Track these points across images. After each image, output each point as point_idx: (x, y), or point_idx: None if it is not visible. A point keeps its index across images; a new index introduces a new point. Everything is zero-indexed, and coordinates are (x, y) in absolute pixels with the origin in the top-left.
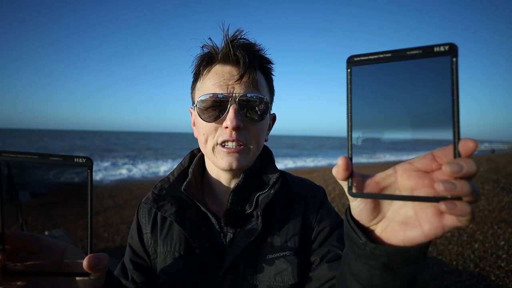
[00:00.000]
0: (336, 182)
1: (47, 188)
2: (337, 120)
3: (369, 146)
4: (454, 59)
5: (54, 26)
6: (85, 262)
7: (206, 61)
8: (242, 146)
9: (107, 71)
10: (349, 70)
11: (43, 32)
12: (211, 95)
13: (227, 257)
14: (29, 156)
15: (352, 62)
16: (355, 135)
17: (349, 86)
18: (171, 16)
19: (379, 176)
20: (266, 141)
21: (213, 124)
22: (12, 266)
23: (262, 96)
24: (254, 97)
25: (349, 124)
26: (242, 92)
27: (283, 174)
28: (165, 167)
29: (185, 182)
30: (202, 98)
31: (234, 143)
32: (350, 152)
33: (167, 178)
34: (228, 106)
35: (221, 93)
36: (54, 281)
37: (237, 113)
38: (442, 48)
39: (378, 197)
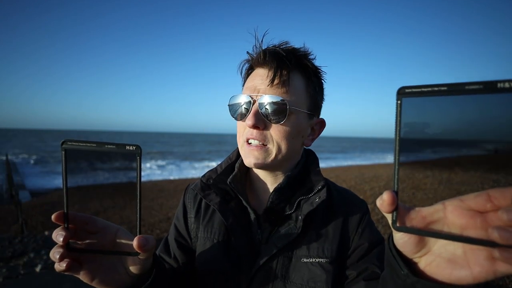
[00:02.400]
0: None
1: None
2: (332, 121)
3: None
4: None
5: (54, 26)
6: (134, 242)
7: (247, 67)
8: (262, 145)
9: (107, 71)
10: (399, 102)
11: (43, 31)
12: (238, 97)
13: (262, 253)
14: (88, 144)
15: (403, 93)
16: (401, 172)
17: (398, 118)
18: (171, 16)
19: (426, 211)
20: (307, 145)
21: (241, 123)
22: (74, 244)
23: (281, 99)
24: (273, 99)
25: (397, 156)
26: (265, 94)
27: (327, 181)
28: (163, 168)
29: (231, 175)
30: (232, 100)
31: (256, 141)
32: (396, 185)
33: (215, 170)
34: (251, 107)
35: (247, 95)
36: (108, 260)
37: (256, 113)
38: (507, 85)
39: (425, 235)
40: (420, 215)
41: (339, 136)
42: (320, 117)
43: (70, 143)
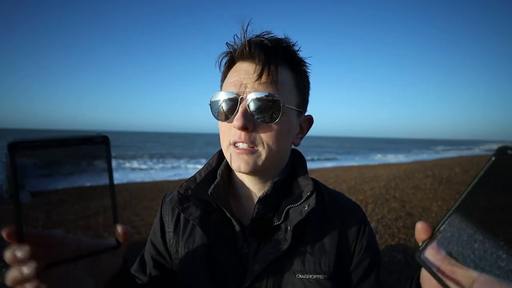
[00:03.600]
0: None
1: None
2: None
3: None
4: None
5: (54, 26)
6: (119, 229)
7: (228, 59)
8: (252, 148)
9: (107, 71)
10: (493, 158)
11: (43, 32)
12: (223, 93)
13: (250, 270)
14: (47, 143)
15: (502, 151)
16: (454, 217)
17: (483, 172)
18: (171, 16)
19: (460, 269)
20: (296, 144)
21: (226, 124)
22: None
23: (274, 96)
24: (265, 96)
25: (457, 204)
26: (254, 90)
27: (317, 185)
28: (163, 168)
29: (213, 185)
30: (214, 98)
31: (244, 145)
32: (440, 225)
33: (194, 178)
34: (238, 105)
35: (232, 92)
36: (78, 275)
37: (244, 113)
38: None
39: (438, 280)
40: (450, 266)
41: (339, 136)
42: (308, 113)
43: (21, 146)
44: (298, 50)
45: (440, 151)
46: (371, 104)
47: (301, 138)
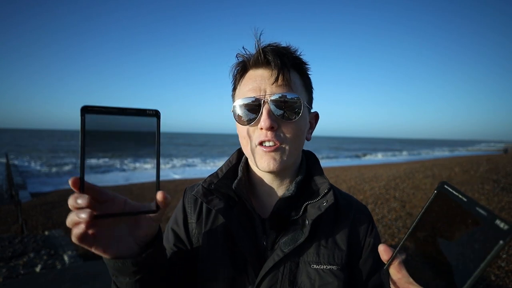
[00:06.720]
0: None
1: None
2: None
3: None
4: None
5: (55, 25)
6: (159, 195)
7: (240, 68)
8: (278, 145)
9: (107, 71)
10: (435, 192)
11: (43, 31)
12: (245, 99)
13: (268, 260)
14: (110, 109)
15: (441, 186)
16: (408, 242)
17: (427, 204)
18: (171, 16)
19: (413, 286)
20: (308, 140)
21: (249, 127)
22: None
23: (296, 95)
24: (287, 96)
25: (409, 232)
26: (274, 92)
27: (332, 186)
28: (163, 168)
29: (236, 180)
30: (237, 103)
31: (271, 142)
32: (396, 250)
33: (216, 174)
34: (262, 107)
35: (253, 96)
36: (119, 230)
37: (270, 114)
38: None
39: None
40: (407, 283)
41: (339, 136)
42: (313, 110)
43: (90, 108)
44: (301, 55)
45: (440, 151)
46: (370, 104)
47: (310, 133)
